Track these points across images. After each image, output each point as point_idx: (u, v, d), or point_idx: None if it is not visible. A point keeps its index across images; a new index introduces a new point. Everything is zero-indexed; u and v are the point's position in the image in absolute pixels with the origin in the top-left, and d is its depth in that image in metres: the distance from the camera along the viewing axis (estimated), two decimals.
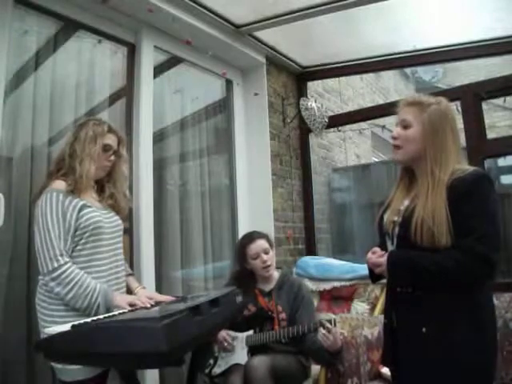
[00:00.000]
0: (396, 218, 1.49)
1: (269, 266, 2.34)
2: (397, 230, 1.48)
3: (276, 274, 2.42)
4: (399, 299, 1.48)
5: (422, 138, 1.47)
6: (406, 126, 1.51)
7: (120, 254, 1.84)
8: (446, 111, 1.50)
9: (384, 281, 1.66)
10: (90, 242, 1.69)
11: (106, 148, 1.81)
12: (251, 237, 2.42)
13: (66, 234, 1.64)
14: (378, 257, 1.49)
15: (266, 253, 2.35)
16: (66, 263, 1.60)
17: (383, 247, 1.55)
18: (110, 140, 1.83)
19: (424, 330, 1.37)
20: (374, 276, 1.60)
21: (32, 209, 2.01)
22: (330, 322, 1.98)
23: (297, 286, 2.35)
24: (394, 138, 1.54)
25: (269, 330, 2.25)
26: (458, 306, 1.36)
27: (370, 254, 1.53)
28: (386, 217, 1.56)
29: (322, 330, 1.98)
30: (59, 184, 1.70)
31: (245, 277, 2.41)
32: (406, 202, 1.49)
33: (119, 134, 1.90)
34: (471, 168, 1.45)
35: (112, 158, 1.85)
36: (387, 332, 1.56)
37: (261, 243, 2.36)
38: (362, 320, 1.86)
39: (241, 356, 2.20)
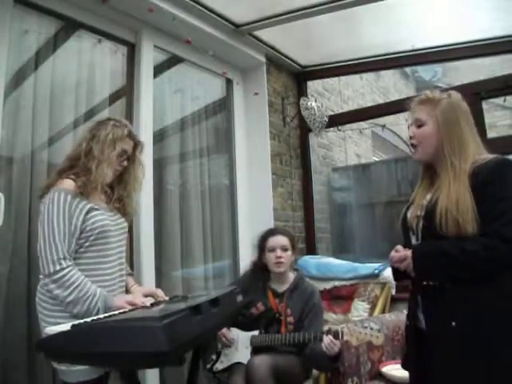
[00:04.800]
0: (419, 213, 1.48)
1: (281, 262, 2.32)
2: (421, 223, 1.47)
3: (291, 276, 2.40)
4: (426, 295, 1.45)
5: (437, 133, 1.47)
6: (420, 124, 1.51)
7: (124, 256, 1.83)
8: (458, 103, 1.51)
9: (384, 280, 1.66)
10: (96, 244, 1.68)
11: (121, 153, 1.77)
12: (274, 230, 2.49)
13: (71, 237, 1.61)
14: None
15: (284, 250, 2.35)
16: (67, 266, 1.58)
17: (407, 246, 1.52)
18: (127, 145, 1.80)
19: (453, 323, 1.34)
20: (398, 274, 1.57)
21: (32, 208, 2.02)
22: (337, 333, 1.94)
23: (309, 292, 2.34)
24: (411, 138, 1.54)
25: (275, 332, 2.25)
26: (487, 297, 1.33)
27: (392, 253, 1.51)
28: (409, 213, 1.54)
29: (327, 339, 1.94)
30: (68, 184, 1.66)
31: (259, 270, 2.42)
32: (429, 196, 1.48)
33: (137, 139, 1.86)
34: (491, 156, 1.44)
35: (125, 163, 1.81)
36: (411, 334, 1.53)
37: (280, 239, 2.38)
38: (371, 335, 1.84)
39: (244, 355, 2.20)
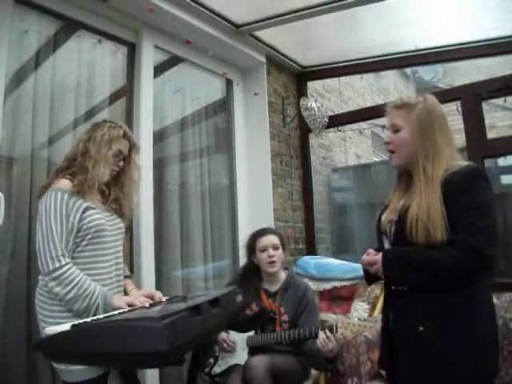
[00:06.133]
0: (393, 217, 1.49)
1: (274, 261, 2.32)
2: (393, 228, 1.48)
3: (283, 275, 2.40)
4: (395, 298, 1.47)
5: (412, 139, 1.47)
6: (396, 130, 1.51)
7: (120, 256, 1.84)
8: (434, 107, 1.49)
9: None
10: (92, 243, 1.69)
11: (117, 153, 1.80)
12: (264, 230, 2.46)
13: (69, 235, 1.63)
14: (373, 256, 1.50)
15: (275, 248, 2.35)
16: (66, 264, 1.59)
17: (381, 249, 1.54)
18: (123, 146, 1.82)
19: (421, 328, 1.36)
20: (369, 277, 1.59)
21: (32, 208, 2.02)
22: (331, 327, 1.95)
23: (302, 290, 2.33)
24: (387, 143, 1.54)
25: (270, 332, 2.24)
26: (455, 304, 1.35)
27: (364, 256, 1.53)
28: (383, 217, 1.55)
29: (322, 334, 1.95)
30: (65, 183, 1.68)
31: (250, 271, 2.41)
32: (403, 201, 1.49)
33: (133, 140, 1.88)
34: (465, 163, 1.44)
35: (121, 163, 1.84)
36: (384, 334, 1.56)
37: (271, 238, 2.38)
38: (364, 327, 1.85)
39: (241, 356, 2.20)
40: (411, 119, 1.47)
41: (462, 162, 1.44)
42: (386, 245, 1.53)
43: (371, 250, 1.53)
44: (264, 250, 2.35)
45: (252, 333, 2.27)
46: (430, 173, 1.41)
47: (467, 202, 1.35)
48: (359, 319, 1.91)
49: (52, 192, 1.65)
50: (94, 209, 1.72)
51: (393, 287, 1.47)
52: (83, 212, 1.68)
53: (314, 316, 2.28)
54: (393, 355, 1.47)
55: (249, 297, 2.31)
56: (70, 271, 1.59)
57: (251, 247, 2.41)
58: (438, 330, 1.34)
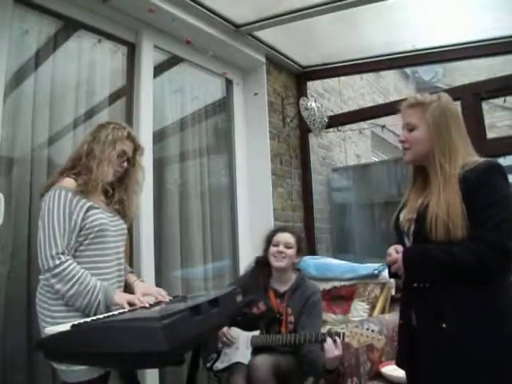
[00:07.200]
0: (412, 216, 1.49)
1: (281, 257, 2.34)
2: (413, 226, 1.48)
3: (293, 276, 2.40)
4: (417, 296, 1.46)
5: (428, 137, 1.48)
6: (411, 128, 1.52)
7: (122, 257, 1.84)
8: (448, 106, 1.51)
9: (384, 281, 1.66)
10: (94, 243, 1.69)
11: (120, 154, 1.81)
12: (283, 228, 2.56)
13: (71, 233, 1.63)
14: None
15: (288, 247, 2.37)
16: (67, 261, 1.59)
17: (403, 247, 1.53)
18: (127, 147, 1.83)
19: (444, 325, 1.36)
20: (392, 273, 1.58)
21: (32, 208, 2.02)
22: (338, 334, 1.94)
23: (310, 292, 2.33)
24: (402, 142, 1.55)
25: (275, 332, 2.24)
26: (477, 300, 1.35)
27: (390, 249, 1.51)
28: (402, 216, 1.55)
29: (330, 340, 1.94)
30: (69, 182, 1.69)
31: (262, 265, 2.43)
32: (421, 200, 1.49)
33: (137, 141, 1.89)
34: (482, 159, 1.45)
35: (124, 164, 1.84)
36: (404, 332, 1.55)
37: (287, 236, 2.42)
38: (372, 338, 1.83)
39: (244, 355, 2.19)
40: (426, 118, 1.48)
41: (479, 159, 1.45)
42: (407, 243, 1.53)
43: (400, 248, 1.51)
44: (277, 245, 2.38)
45: (257, 332, 2.27)
46: (448, 170, 1.42)
47: (485, 198, 1.36)
48: (367, 329, 1.88)
49: (56, 190, 1.66)
50: (97, 208, 1.72)
51: (414, 285, 1.47)
52: (86, 211, 1.68)
53: (315, 320, 2.27)
54: (413, 352, 1.46)
55: (257, 295, 2.32)
56: (71, 267, 1.59)
57: (268, 241, 2.44)
58: (461, 326, 1.34)
